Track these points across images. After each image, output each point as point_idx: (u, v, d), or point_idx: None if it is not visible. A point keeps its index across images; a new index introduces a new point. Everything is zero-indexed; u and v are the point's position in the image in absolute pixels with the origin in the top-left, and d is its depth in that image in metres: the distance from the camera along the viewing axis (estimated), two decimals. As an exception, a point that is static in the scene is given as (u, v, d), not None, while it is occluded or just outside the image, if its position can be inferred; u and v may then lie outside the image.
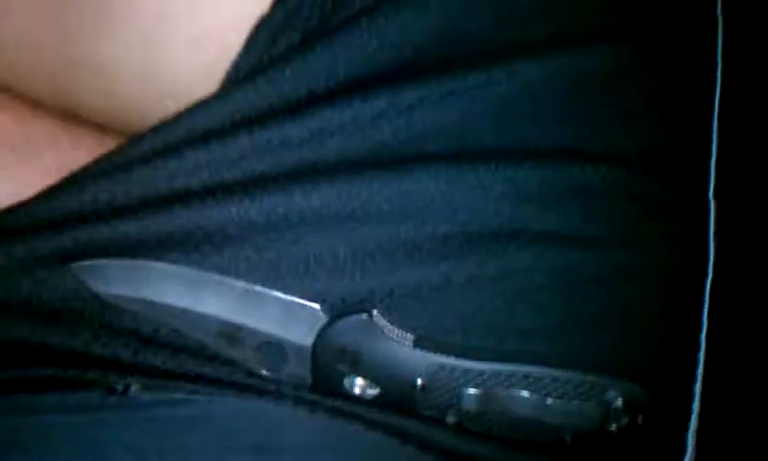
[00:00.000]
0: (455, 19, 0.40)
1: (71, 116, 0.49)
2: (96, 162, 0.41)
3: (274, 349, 0.40)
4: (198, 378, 0.40)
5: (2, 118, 0.47)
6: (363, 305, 0.39)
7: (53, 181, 0.42)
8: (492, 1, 0.40)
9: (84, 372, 0.40)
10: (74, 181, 0.40)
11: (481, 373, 0.39)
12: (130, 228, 0.40)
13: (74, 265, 0.40)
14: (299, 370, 0.40)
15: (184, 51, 0.46)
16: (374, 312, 0.39)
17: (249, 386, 0.40)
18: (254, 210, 0.39)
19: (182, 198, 0.39)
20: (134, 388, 0.40)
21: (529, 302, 0.40)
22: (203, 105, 0.41)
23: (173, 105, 0.47)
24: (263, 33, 0.43)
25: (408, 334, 0.39)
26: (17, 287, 0.40)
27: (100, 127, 0.49)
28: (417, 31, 0.40)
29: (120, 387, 0.40)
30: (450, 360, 0.39)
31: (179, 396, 0.40)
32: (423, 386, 0.39)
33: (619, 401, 0.39)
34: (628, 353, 0.40)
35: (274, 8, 0.43)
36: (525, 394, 0.38)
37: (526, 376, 0.39)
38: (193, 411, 0.40)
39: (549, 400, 0.39)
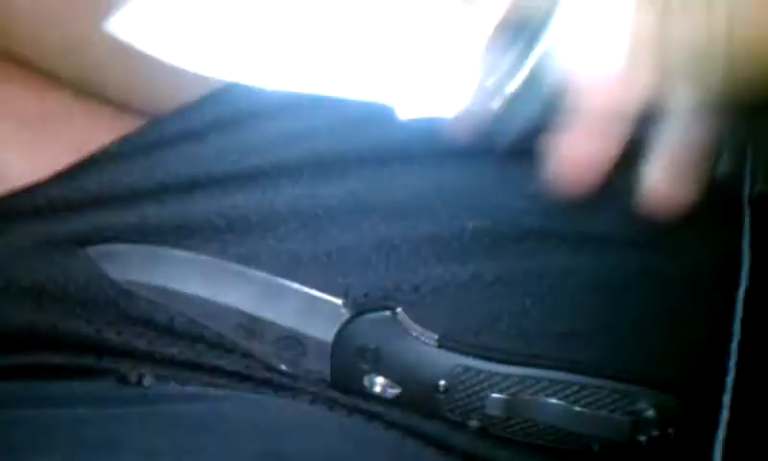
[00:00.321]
0: None
1: (89, 92, 0.48)
2: (116, 143, 0.40)
3: (293, 343, 0.39)
4: (214, 371, 0.39)
5: (18, 93, 0.46)
6: (386, 302, 0.38)
7: (70, 159, 0.40)
8: None
9: (97, 359, 0.39)
10: (93, 163, 0.39)
11: (507, 377, 0.37)
12: (149, 212, 0.38)
13: (90, 249, 0.38)
14: (318, 366, 0.39)
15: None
16: (398, 310, 0.38)
17: (266, 381, 0.39)
18: (279, 199, 0.38)
19: (205, 184, 0.38)
20: (148, 379, 0.39)
21: (561, 305, 0.38)
22: (229, 88, 0.39)
23: (196, 84, 0.46)
24: None
25: (432, 333, 0.38)
26: (31, 270, 0.38)
27: (118, 104, 0.48)
28: None
29: (134, 377, 0.39)
30: (475, 362, 0.37)
31: (193, 389, 0.39)
32: (446, 388, 0.38)
33: (651, 412, 0.37)
34: (662, 362, 0.39)
35: None
36: (553, 401, 0.37)
37: (555, 383, 0.37)
38: (207, 408, 0.39)
39: (578, 409, 0.37)
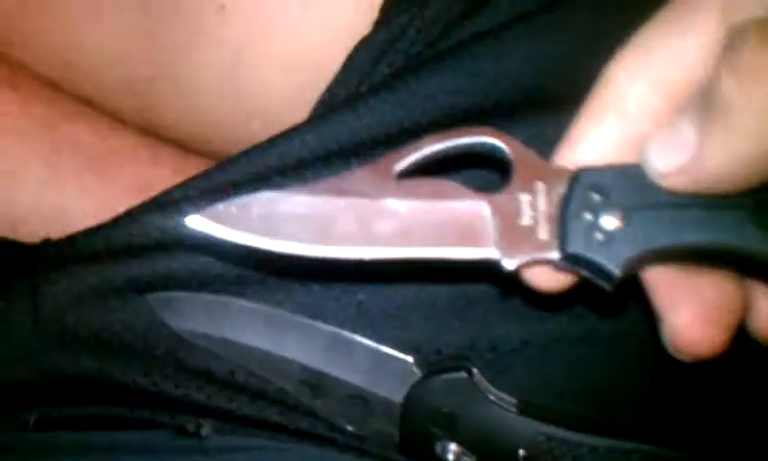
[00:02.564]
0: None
1: (152, 133, 0.47)
2: (180, 186, 0.38)
3: (359, 402, 0.36)
4: (275, 427, 0.37)
5: (82, 132, 0.45)
6: (460, 361, 0.35)
7: (132, 201, 0.39)
8: None
9: (152, 413, 0.37)
10: (155, 205, 0.38)
11: (594, 448, 0.34)
12: (212, 259, 0.36)
13: (150, 296, 0.37)
14: (386, 428, 0.36)
15: (276, 71, 0.43)
16: (475, 371, 0.35)
17: (330, 440, 0.37)
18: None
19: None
20: (206, 429, 0.37)
21: (646, 368, 0.35)
22: (296, 131, 0.38)
23: (261, 127, 0.44)
24: (362, 55, 0.40)
25: (511, 398, 0.35)
26: (87, 317, 0.37)
27: (181, 144, 0.47)
28: (535, 61, 0.36)
29: (191, 427, 0.37)
30: (559, 431, 0.35)
31: (253, 441, 0.37)
32: (527, 458, 0.35)
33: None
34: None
35: (375, 29, 0.40)
36: (645, 477, 0.34)
37: (645, 457, 0.34)
38: (268, 458, 0.36)
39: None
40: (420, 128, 0.36)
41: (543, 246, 0.27)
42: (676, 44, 0.26)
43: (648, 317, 0.35)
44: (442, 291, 0.36)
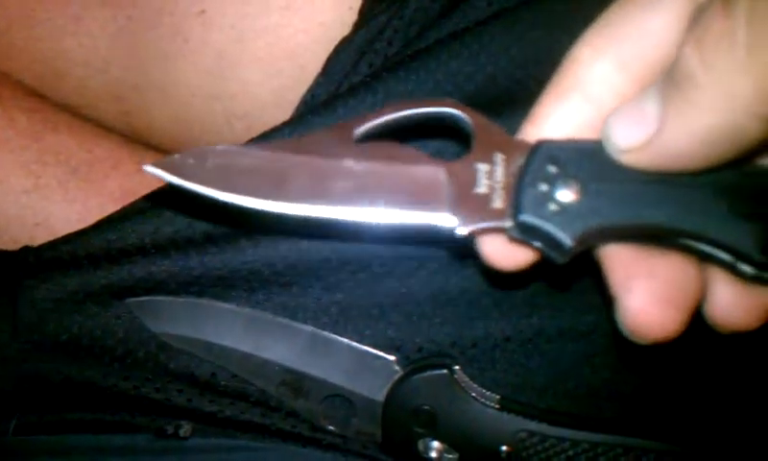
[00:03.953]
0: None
1: (137, 138, 0.47)
2: (159, 192, 0.38)
3: (341, 402, 0.36)
4: (257, 428, 0.36)
5: (66, 141, 0.45)
6: (442, 359, 0.35)
7: (116, 207, 0.39)
8: None
9: (132, 418, 0.37)
10: (135, 212, 0.37)
11: (576, 443, 0.34)
12: (191, 263, 0.36)
13: (130, 301, 0.37)
14: (368, 427, 0.36)
15: (258, 74, 0.43)
16: (456, 368, 0.35)
17: (312, 440, 0.36)
18: (326, 247, 0.36)
19: (249, 232, 0.36)
20: (185, 429, 0.37)
21: (628, 363, 0.35)
22: (276, 131, 0.37)
23: (244, 129, 0.44)
24: (343, 56, 0.40)
25: (493, 394, 0.34)
26: (68, 322, 0.37)
27: (166, 149, 0.47)
28: (513, 57, 0.36)
29: (170, 429, 0.37)
30: (541, 427, 0.34)
31: (233, 442, 0.37)
32: (509, 454, 0.34)
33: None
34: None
35: (355, 31, 0.40)
36: (628, 472, 0.34)
37: (628, 450, 0.34)
38: (249, 459, 0.36)
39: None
40: None
41: (497, 214, 0.26)
42: (643, 24, 0.26)
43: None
44: (422, 289, 0.36)
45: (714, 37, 0.23)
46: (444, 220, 0.27)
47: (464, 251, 0.35)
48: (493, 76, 0.36)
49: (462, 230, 0.26)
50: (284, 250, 0.36)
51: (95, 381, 0.36)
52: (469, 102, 0.36)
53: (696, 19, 0.24)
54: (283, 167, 0.27)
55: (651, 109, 0.24)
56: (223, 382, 0.37)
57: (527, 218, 0.26)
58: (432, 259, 0.36)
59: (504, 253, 0.27)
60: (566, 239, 0.26)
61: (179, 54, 0.44)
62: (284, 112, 0.41)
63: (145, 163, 0.28)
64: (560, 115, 0.27)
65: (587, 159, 0.26)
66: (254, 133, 0.39)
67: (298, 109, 0.41)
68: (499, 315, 0.35)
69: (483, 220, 0.26)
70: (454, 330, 0.35)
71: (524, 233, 0.26)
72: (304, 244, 0.36)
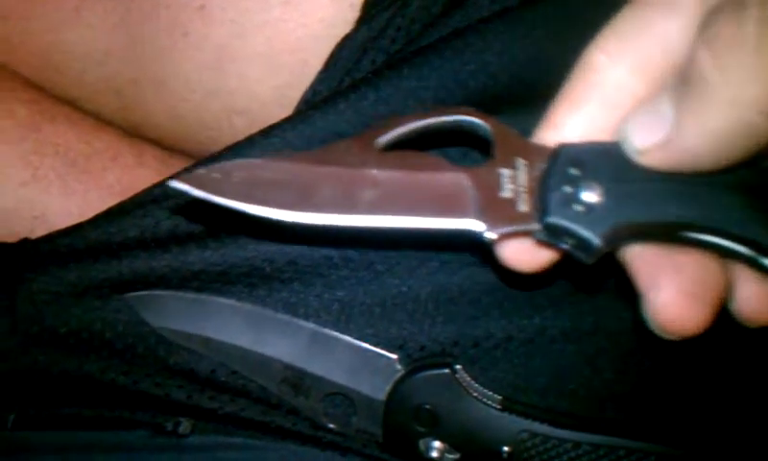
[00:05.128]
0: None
1: (136, 133, 0.47)
2: (159, 185, 0.38)
3: (342, 400, 0.36)
4: (257, 426, 0.36)
5: (65, 133, 0.45)
6: (444, 358, 0.35)
7: (116, 201, 0.39)
8: None
9: (130, 413, 0.37)
10: (135, 205, 0.37)
11: (578, 444, 0.34)
12: (192, 257, 0.36)
13: (129, 295, 0.36)
14: (369, 426, 0.36)
15: (259, 70, 0.43)
16: (458, 367, 0.34)
17: (313, 438, 0.36)
18: (329, 244, 0.35)
19: (250, 228, 0.36)
20: (185, 426, 0.36)
21: (630, 364, 0.35)
22: (277, 128, 0.37)
23: (245, 126, 0.44)
24: (345, 53, 0.40)
25: (495, 395, 0.34)
26: (67, 316, 0.36)
27: (165, 144, 0.47)
28: (516, 55, 0.36)
29: (169, 426, 0.36)
30: (542, 427, 0.34)
31: (232, 440, 0.36)
32: (510, 454, 0.34)
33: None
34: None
35: (357, 28, 0.40)
36: (630, 473, 0.34)
37: (630, 452, 0.34)
38: (247, 458, 0.36)
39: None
40: None
41: (524, 217, 0.27)
42: (655, 27, 0.26)
43: (633, 313, 0.35)
44: (425, 287, 0.36)
45: (726, 40, 0.23)
46: (472, 225, 0.27)
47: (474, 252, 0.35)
48: (496, 74, 0.36)
49: (490, 235, 0.27)
50: (286, 246, 0.36)
51: (94, 375, 0.36)
52: (472, 100, 0.36)
53: (708, 22, 0.24)
54: (309, 178, 0.27)
55: (666, 110, 0.24)
56: (223, 379, 0.36)
57: (555, 220, 0.26)
58: (433, 258, 0.36)
59: (526, 255, 0.28)
60: (594, 239, 0.26)
61: (178, 48, 0.44)
62: (286, 109, 0.41)
63: (172, 179, 0.28)
64: (576, 120, 0.27)
65: (607, 161, 0.26)
66: (255, 131, 0.39)
67: (299, 105, 0.41)
68: (501, 315, 0.35)
69: (511, 224, 0.27)
70: (456, 329, 0.35)
71: (551, 235, 0.26)
72: (305, 239, 0.36)
